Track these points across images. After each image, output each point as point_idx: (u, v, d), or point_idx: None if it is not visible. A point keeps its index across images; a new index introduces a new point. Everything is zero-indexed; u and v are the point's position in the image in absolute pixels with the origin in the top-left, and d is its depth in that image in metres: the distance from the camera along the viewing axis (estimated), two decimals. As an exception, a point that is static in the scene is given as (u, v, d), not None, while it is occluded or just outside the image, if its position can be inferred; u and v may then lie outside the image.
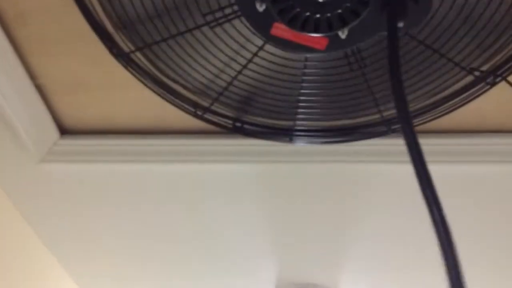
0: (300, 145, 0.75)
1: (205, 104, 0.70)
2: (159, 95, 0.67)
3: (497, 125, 0.70)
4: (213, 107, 0.70)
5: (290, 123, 0.73)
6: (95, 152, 0.79)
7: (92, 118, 0.78)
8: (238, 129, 0.73)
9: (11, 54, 0.67)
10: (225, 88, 0.64)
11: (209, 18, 0.56)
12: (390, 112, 0.68)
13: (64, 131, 0.79)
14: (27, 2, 0.64)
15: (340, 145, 0.75)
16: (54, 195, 0.87)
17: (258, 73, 0.64)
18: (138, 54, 0.62)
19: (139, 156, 0.79)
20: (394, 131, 0.70)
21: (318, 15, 0.51)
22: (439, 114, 0.64)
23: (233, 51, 0.61)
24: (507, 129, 0.70)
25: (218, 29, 0.57)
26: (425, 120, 0.65)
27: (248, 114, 0.74)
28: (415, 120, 0.66)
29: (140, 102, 0.75)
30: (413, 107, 0.64)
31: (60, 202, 0.88)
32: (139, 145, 0.78)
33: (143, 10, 0.57)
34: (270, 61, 0.62)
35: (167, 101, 0.68)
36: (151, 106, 0.75)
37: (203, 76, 0.65)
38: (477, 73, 0.59)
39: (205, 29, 0.57)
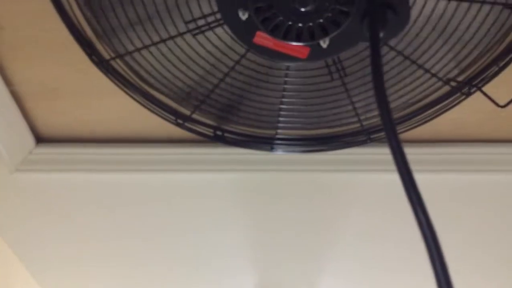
0: (281, 154, 0.75)
1: (186, 112, 0.70)
2: (139, 103, 0.66)
3: (473, 135, 0.72)
4: (194, 116, 0.69)
5: (271, 131, 0.73)
6: (73, 161, 0.77)
7: (69, 126, 0.76)
8: (219, 137, 0.73)
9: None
10: (207, 96, 0.64)
11: (191, 26, 0.56)
12: (370, 121, 0.69)
13: (40, 139, 0.78)
14: (1, 5, 0.63)
15: (320, 154, 0.76)
16: (28, 206, 0.84)
17: (240, 81, 0.64)
18: (118, 61, 0.62)
19: (117, 165, 0.78)
20: (373, 140, 0.71)
21: (300, 24, 0.52)
22: (416, 124, 0.65)
23: (215, 59, 0.61)
24: (484, 139, 0.72)
25: (200, 37, 0.58)
26: (402, 130, 0.66)
27: (229, 123, 0.74)
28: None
29: (119, 109, 0.74)
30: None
31: (34, 213, 0.86)
32: (117, 154, 0.77)
33: (125, 17, 0.56)
34: (252, 69, 0.63)
35: (148, 109, 0.67)
36: (130, 114, 0.74)
37: (185, 83, 0.64)
38: (453, 84, 0.61)
39: (187, 36, 0.57)
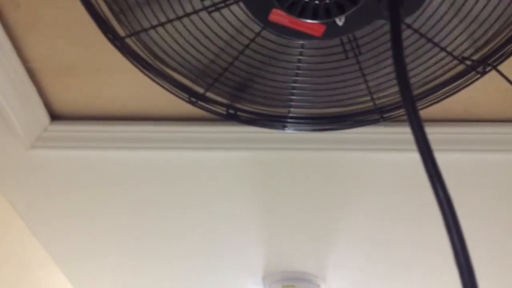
0: (294, 133, 0.76)
1: (200, 90, 0.70)
2: (153, 80, 0.66)
3: (486, 114, 0.72)
4: (207, 94, 0.70)
5: (284, 110, 0.74)
6: (87, 139, 0.78)
7: (84, 104, 0.77)
8: (232, 116, 0.73)
9: (2, 36, 0.66)
10: (220, 74, 0.64)
11: (207, 3, 0.56)
12: (383, 100, 0.69)
13: (55, 116, 0.78)
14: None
15: (333, 133, 0.76)
16: (44, 182, 0.85)
17: (254, 59, 0.64)
18: (133, 38, 0.62)
19: (130, 143, 0.78)
20: (386, 119, 0.72)
21: (317, 2, 0.52)
22: (431, 102, 0.65)
23: (230, 37, 0.61)
24: (497, 118, 0.72)
25: (215, 14, 0.58)
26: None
27: (242, 101, 0.74)
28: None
29: (133, 87, 0.74)
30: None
31: (50, 190, 0.87)
32: (131, 132, 0.78)
33: (141, -6, 0.56)
34: (266, 48, 0.63)
35: (162, 86, 0.67)
36: (143, 92, 0.75)
37: (199, 61, 0.65)
38: (468, 62, 0.61)
39: (203, 14, 0.57)
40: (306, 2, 0.52)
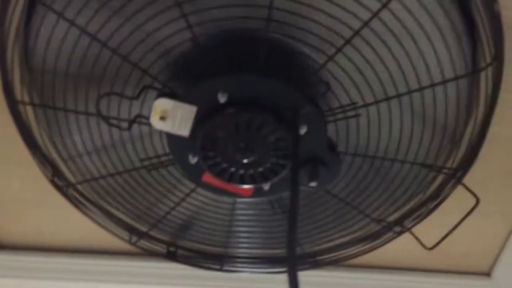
0: (231, 272, 0.78)
1: (142, 228, 0.73)
2: (95, 222, 0.70)
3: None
4: (150, 232, 0.73)
5: (222, 250, 0.77)
6: (28, 269, 0.79)
7: (28, 234, 0.79)
8: (172, 254, 0.76)
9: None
10: (158, 221, 0.68)
11: (146, 162, 0.61)
12: (310, 247, 0.74)
13: (1, 246, 0.80)
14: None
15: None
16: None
17: (190, 209, 0.69)
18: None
19: (70, 275, 0.80)
20: (314, 264, 0.75)
21: (242, 171, 0.58)
22: (347, 256, 0.70)
23: (166, 190, 0.66)
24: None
25: (153, 172, 0.63)
26: (332, 259, 0.71)
27: (182, 240, 0.77)
28: (326, 256, 0.72)
29: (75, 222, 0.76)
30: (322, 245, 0.71)
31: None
32: (71, 264, 0.80)
33: (84, 148, 0.61)
34: (201, 200, 0.68)
35: (103, 228, 0.71)
36: (87, 227, 0.78)
37: (138, 208, 0.69)
38: (384, 223, 0.67)
39: (142, 171, 0.63)
40: (233, 171, 0.58)
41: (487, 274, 0.84)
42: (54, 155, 0.66)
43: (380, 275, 0.82)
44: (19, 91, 0.58)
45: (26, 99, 0.56)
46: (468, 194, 0.62)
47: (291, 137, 0.54)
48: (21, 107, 0.56)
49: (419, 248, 0.68)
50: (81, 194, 0.66)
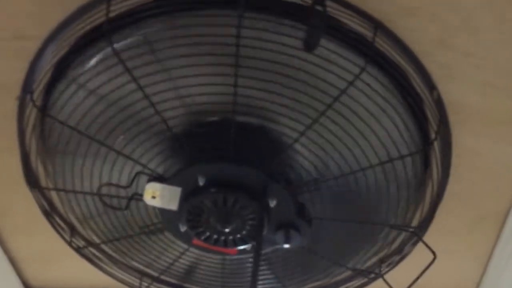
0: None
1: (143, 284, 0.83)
2: (109, 274, 0.81)
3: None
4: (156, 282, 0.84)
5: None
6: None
7: (56, 281, 0.92)
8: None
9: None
10: (161, 273, 0.79)
11: (144, 229, 0.72)
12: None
13: (30, 290, 0.94)
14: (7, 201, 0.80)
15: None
16: None
17: (190, 260, 0.79)
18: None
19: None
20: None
21: (223, 237, 0.67)
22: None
23: (167, 247, 0.76)
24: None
25: (151, 235, 0.73)
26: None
27: (187, 283, 0.87)
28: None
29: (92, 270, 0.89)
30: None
31: None
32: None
33: (92, 219, 0.73)
34: (198, 253, 0.77)
35: (117, 279, 0.82)
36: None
37: (144, 260, 0.79)
38: (358, 272, 0.75)
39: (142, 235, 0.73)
40: (217, 237, 0.68)
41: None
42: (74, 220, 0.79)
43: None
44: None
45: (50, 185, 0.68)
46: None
47: (261, 211, 0.63)
48: (40, 192, 0.68)
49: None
50: (94, 253, 0.78)
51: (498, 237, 0.81)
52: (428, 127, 0.63)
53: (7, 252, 0.87)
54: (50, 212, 0.71)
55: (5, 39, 0.60)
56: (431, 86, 0.61)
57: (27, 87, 0.63)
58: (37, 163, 0.71)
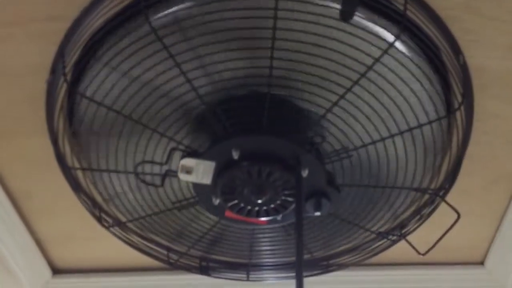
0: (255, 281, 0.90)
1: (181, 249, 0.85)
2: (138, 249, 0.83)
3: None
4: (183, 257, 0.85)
5: (246, 260, 0.89)
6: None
7: (80, 261, 0.94)
8: (204, 268, 0.88)
9: (17, 220, 0.84)
10: (191, 247, 0.81)
11: (176, 204, 0.73)
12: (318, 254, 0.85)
13: (56, 271, 0.95)
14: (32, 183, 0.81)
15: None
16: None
17: (218, 232, 0.81)
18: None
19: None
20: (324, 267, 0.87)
21: (257, 208, 0.69)
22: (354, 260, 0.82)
23: (197, 220, 0.78)
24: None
25: (184, 211, 0.75)
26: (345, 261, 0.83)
27: (211, 253, 0.89)
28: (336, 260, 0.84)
29: (120, 247, 0.87)
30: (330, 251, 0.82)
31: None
32: (122, 281, 0.94)
33: (124, 195, 0.73)
34: (227, 225, 0.79)
35: (145, 254, 0.83)
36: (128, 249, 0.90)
37: (173, 234, 0.81)
38: (383, 235, 0.78)
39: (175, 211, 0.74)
40: (250, 208, 0.69)
41: (481, 263, 0.96)
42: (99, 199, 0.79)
43: (384, 271, 0.94)
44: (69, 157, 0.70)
45: (76, 164, 0.68)
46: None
47: (295, 180, 0.65)
48: (73, 172, 0.68)
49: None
50: (124, 231, 0.79)
51: (511, 198, 0.85)
52: (454, 91, 0.65)
53: (33, 233, 0.88)
54: (83, 192, 0.72)
55: (37, 19, 0.60)
56: (457, 51, 0.63)
57: (56, 68, 0.63)
58: (64, 144, 0.72)
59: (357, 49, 0.57)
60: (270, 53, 0.56)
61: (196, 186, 0.70)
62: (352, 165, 0.69)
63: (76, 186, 0.70)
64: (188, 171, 0.67)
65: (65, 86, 0.60)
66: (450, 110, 0.67)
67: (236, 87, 0.62)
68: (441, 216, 0.74)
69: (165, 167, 0.66)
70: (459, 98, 0.66)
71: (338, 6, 0.53)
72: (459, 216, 0.71)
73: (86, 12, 0.59)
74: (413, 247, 0.78)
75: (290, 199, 0.69)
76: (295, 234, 0.61)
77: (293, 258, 0.88)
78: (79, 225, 0.88)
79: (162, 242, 0.86)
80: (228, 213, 0.74)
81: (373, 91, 0.60)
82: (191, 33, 0.57)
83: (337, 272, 0.90)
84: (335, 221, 0.77)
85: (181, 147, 0.65)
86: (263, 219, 0.73)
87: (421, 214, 0.77)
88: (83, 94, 0.60)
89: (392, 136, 0.65)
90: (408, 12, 0.57)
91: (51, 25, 0.62)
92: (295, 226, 0.63)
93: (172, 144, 0.65)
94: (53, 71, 0.63)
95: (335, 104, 0.62)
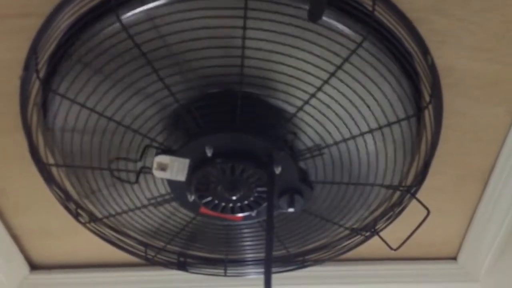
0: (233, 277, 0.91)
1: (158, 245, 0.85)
2: (116, 245, 0.83)
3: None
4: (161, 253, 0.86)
5: (223, 256, 0.90)
6: (61, 285, 0.94)
7: (58, 256, 0.94)
8: (182, 264, 0.89)
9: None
10: (168, 243, 0.81)
11: (152, 201, 0.73)
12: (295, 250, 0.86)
13: (34, 267, 0.95)
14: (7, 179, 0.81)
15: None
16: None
17: (195, 228, 0.82)
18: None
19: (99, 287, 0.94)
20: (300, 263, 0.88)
21: (231, 205, 0.70)
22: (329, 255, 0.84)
23: (173, 216, 0.79)
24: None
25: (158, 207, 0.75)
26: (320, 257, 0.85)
27: (188, 249, 0.90)
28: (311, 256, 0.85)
29: (96, 243, 0.87)
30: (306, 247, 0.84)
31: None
32: (101, 277, 0.95)
33: (100, 193, 0.74)
34: (203, 221, 0.80)
35: (123, 249, 0.84)
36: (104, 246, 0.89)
37: (150, 230, 0.82)
38: (356, 231, 0.79)
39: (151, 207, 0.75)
40: (224, 205, 0.70)
41: (454, 258, 0.98)
42: (75, 195, 0.80)
43: (358, 266, 0.96)
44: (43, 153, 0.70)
45: (51, 160, 0.68)
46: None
47: (267, 177, 0.66)
48: (47, 167, 0.68)
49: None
50: (101, 227, 0.79)
51: (482, 194, 0.87)
52: (422, 91, 0.67)
53: (9, 229, 0.88)
54: (56, 184, 0.72)
55: (10, 16, 0.60)
56: (425, 52, 0.64)
57: (29, 64, 0.63)
58: (38, 140, 0.72)
59: (326, 49, 0.58)
60: (241, 52, 0.58)
61: (171, 183, 0.71)
62: (325, 163, 0.70)
63: (49, 179, 0.70)
64: (163, 168, 0.67)
65: (38, 83, 0.61)
66: (422, 107, 0.69)
67: (209, 85, 0.62)
68: (413, 213, 0.76)
69: (139, 164, 0.67)
70: (427, 98, 0.67)
71: (307, 7, 0.55)
72: (428, 212, 0.73)
73: (58, 9, 0.59)
74: (386, 243, 0.80)
75: (263, 195, 0.70)
76: (265, 229, 0.63)
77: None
78: (56, 221, 0.88)
79: (139, 238, 0.87)
80: (203, 210, 0.74)
81: (343, 90, 0.61)
82: (163, 31, 0.58)
83: (313, 267, 0.92)
84: (310, 217, 0.79)
85: (155, 144, 0.66)
86: (238, 215, 0.74)
87: (393, 211, 0.79)
88: (55, 91, 0.60)
89: (362, 134, 0.66)
90: (376, 13, 0.59)
91: (24, 21, 0.62)
92: (266, 221, 0.64)
93: (146, 141, 0.66)
94: (26, 67, 0.63)
95: (307, 102, 0.64)
